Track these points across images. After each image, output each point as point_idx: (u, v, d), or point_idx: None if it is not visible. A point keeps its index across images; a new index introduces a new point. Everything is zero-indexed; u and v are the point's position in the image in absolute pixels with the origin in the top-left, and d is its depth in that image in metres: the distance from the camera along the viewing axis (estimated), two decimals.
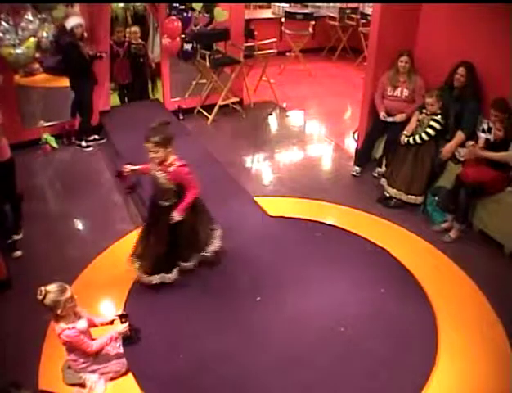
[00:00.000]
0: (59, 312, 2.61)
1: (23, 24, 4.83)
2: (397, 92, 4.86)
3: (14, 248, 3.88)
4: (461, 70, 4.31)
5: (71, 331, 2.65)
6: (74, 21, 5.20)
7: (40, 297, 2.57)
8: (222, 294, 3.41)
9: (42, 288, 2.59)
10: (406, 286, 3.60)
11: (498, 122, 3.89)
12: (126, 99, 6.66)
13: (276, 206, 4.52)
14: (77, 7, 5.49)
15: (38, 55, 5.57)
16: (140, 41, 6.26)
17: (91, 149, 5.71)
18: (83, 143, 5.71)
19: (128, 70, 6.33)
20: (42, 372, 2.88)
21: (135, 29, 6.23)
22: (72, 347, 2.72)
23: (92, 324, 2.91)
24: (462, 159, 4.30)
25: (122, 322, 2.94)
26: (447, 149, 4.36)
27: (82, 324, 2.74)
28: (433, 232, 4.24)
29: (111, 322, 2.97)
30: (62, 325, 2.65)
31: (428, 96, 4.40)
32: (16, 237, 3.96)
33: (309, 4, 9.41)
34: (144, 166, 3.38)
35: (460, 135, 4.33)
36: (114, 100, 6.56)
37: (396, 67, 4.80)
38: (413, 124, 4.58)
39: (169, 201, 3.29)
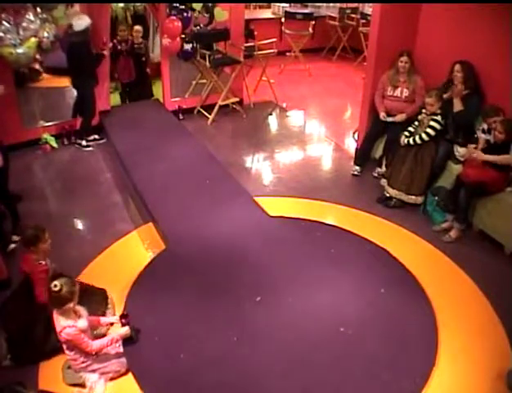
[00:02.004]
0: (72, 305, 2.64)
1: (24, 24, 4.81)
2: (397, 92, 4.86)
3: (8, 243, 3.91)
4: (457, 67, 4.37)
5: (71, 329, 2.66)
6: (86, 21, 5.24)
7: (56, 289, 2.58)
8: (223, 294, 3.41)
9: (55, 282, 2.60)
10: (406, 286, 3.59)
11: (498, 125, 3.89)
12: (127, 98, 6.67)
13: (276, 206, 4.52)
14: (77, 7, 5.49)
15: (37, 56, 5.59)
16: (141, 40, 6.36)
17: (91, 149, 5.71)
18: (84, 143, 5.72)
19: (131, 69, 6.39)
20: (42, 372, 2.88)
21: (138, 27, 6.34)
22: (72, 345, 2.72)
23: (94, 323, 2.92)
24: (462, 159, 4.30)
25: (122, 322, 2.94)
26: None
27: (82, 323, 2.75)
28: (433, 232, 4.24)
29: (111, 324, 2.99)
30: (62, 322, 2.66)
31: (428, 96, 4.40)
32: (16, 238, 3.96)
33: (309, 4, 9.42)
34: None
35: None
36: (114, 100, 6.57)
37: (396, 67, 4.80)
38: None
39: None
